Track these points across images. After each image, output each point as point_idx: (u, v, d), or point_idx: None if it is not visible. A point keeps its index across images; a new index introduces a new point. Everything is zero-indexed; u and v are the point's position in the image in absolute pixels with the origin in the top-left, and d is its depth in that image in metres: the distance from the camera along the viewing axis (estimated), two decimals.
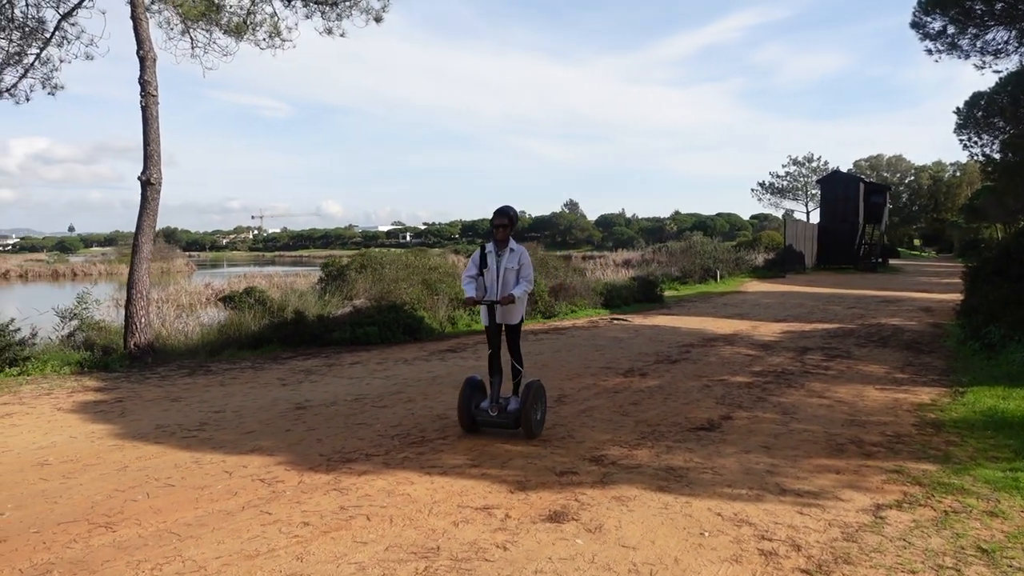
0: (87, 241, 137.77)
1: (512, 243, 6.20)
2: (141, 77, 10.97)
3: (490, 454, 5.72)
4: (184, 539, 4.05)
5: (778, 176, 73.76)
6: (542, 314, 16.06)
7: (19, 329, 10.09)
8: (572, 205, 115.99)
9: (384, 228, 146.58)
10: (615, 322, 15.29)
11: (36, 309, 12.84)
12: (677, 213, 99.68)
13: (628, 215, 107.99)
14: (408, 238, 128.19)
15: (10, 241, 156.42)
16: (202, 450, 5.84)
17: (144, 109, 11.02)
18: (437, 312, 14.02)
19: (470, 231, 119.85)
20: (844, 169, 55.00)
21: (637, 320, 15.57)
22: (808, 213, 70.30)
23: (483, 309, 6.20)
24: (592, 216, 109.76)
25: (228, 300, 15.39)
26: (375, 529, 4.23)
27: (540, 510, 4.54)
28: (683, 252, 30.47)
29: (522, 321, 6.36)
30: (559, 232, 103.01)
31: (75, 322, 12.18)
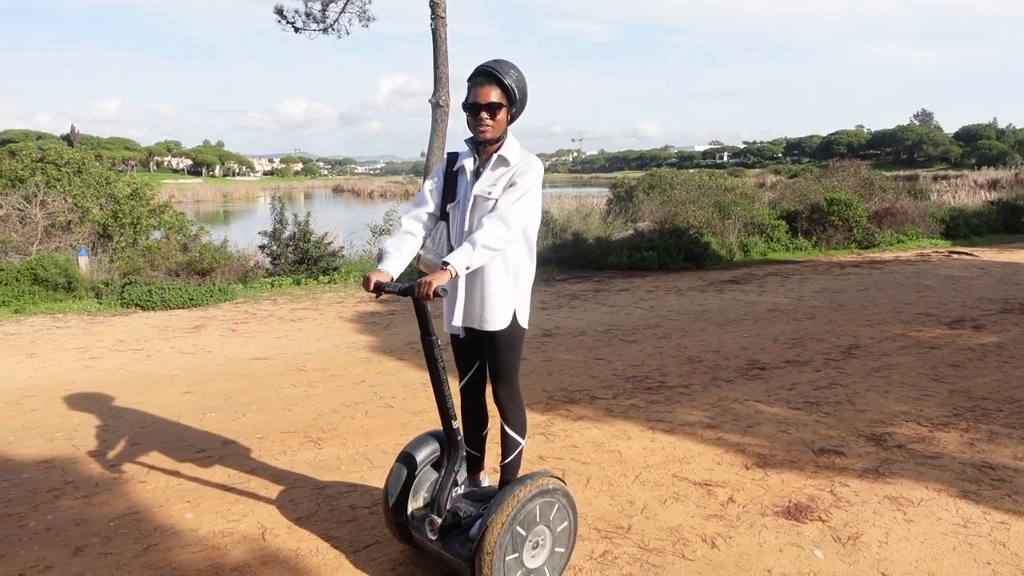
0: None
1: (510, 146, 2.74)
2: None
3: (735, 413, 4.73)
4: (374, 468, 3.91)
5: None
6: (857, 244, 13.69)
7: (332, 242, 11.34)
8: (924, 116, 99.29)
9: (700, 148, 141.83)
10: (954, 256, 12.39)
11: (365, 224, 14.45)
12: None
13: (1001, 125, 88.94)
14: (725, 158, 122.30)
15: (378, 165, 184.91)
16: None
17: (434, 32, 11.33)
18: (726, 237, 12.68)
19: (795, 149, 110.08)
20: None
21: (987, 255, 12.43)
22: None
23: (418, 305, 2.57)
24: (950, 129, 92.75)
25: None
26: None
27: (777, 498, 3.53)
28: None
29: (516, 326, 2.80)
30: (904, 148, 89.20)
31: (386, 237, 13.47)
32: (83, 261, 9.20)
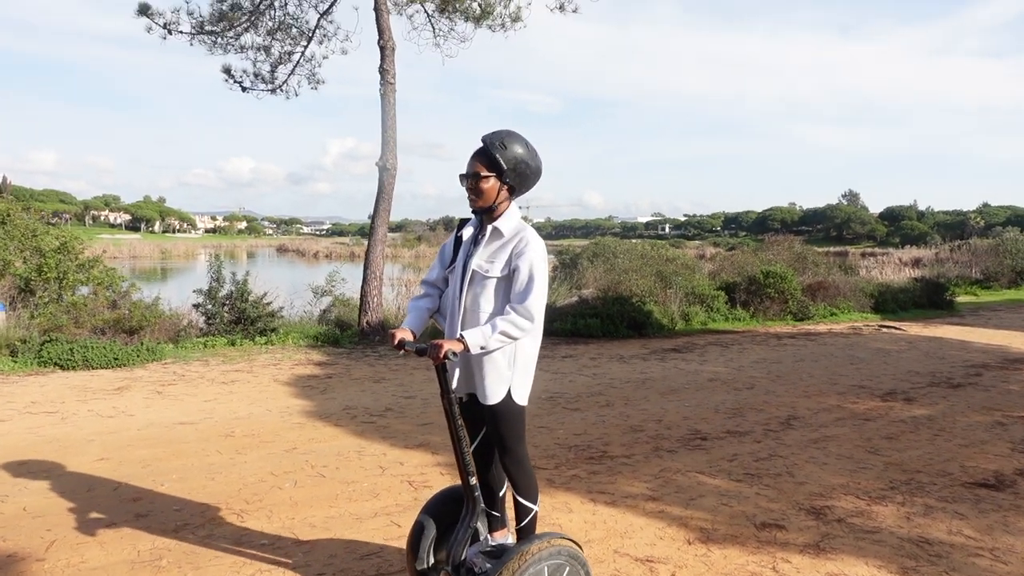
0: None
1: (510, 217, 2.79)
2: (381, 66, 11.36)
3: (677, 485, 4.66)
4: (300, 543, 3.67)
5: None
6: (793, 315, 14.07)
7: (271, 302, 11.04)
8: (851, 196, 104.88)
9: (643, 219, 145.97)
10: (884, 330, 12.83)
11: (308, 284, 14.15)
12: (986, 205, 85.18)
13: (921, 207, 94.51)
14: (667, 229, 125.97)
15: (325, 226, 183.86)
16: (372, 438, 5.57)
17: (382, 97, 11.40)
18: (668, 306, 12.87)
19: (733, 223, 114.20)
20: None
21: (914, 329, 12.92)
22: None
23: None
24: (875, 208, 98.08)
25: None
26: None
27: (719, 575, 3.44)
28: (989, 251, 25.47)
29: (511, 402, 2.79)
30: (834, 226, 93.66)
31: (328, 298, 13.22)
32: (0, 317, 8.69)
